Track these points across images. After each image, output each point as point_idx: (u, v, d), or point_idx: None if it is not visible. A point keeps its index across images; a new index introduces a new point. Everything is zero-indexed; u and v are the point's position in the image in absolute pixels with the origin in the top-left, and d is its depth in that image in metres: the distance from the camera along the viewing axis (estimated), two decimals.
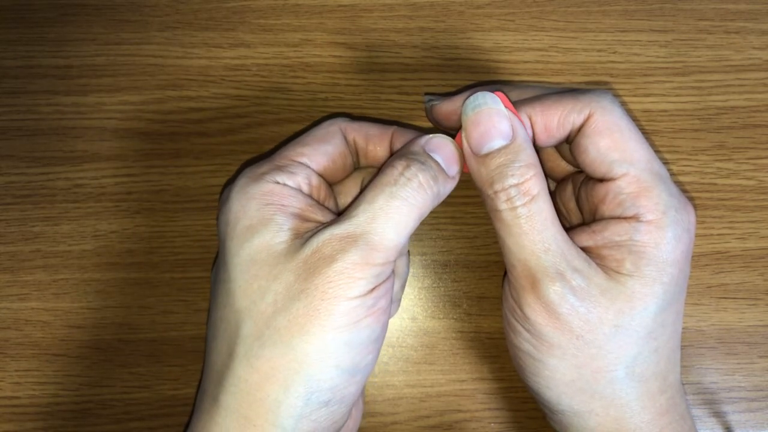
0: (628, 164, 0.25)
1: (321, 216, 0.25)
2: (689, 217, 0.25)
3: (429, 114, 0.30)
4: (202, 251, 0.34)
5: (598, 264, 0.25)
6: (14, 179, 0.34)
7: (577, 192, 0.29)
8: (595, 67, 0.36)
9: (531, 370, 0.26)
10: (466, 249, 0.34)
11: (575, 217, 0.30)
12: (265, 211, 0.24)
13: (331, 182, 0.29)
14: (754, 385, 0.34)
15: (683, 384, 0.29)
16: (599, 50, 0.36)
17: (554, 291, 0.24)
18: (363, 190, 0.25)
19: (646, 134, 0.34)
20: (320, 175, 0.27)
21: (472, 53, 0.36)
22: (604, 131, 0.25)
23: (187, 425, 0.26)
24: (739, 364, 0.34)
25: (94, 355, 0.33)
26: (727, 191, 0.35)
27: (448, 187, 0.26)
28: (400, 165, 0.25)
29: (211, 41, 0.35)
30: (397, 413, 0.33)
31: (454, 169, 0.27)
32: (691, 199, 0.35)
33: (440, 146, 0.27)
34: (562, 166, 0.31)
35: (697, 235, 0.33)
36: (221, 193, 0.33)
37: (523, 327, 0.26)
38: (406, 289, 0.33)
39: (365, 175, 0.30)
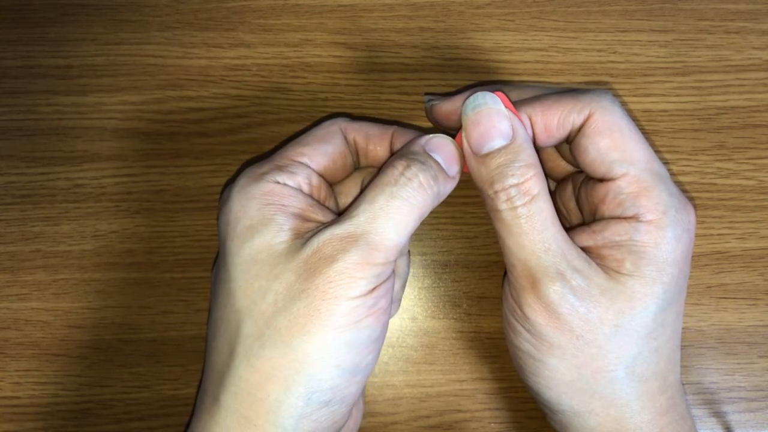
0: (628, 164, 0.25)
1: (321, 216, 0.25)
2: (689, 217, 0.25)
3: (429, 114, 0.30)
4: (202, 251, 0.34)
5: (598, 264, 0.25)
6: (14, 179, 0.34)
7: (577, 192, 0.29)
8: (595, 67, 0.36)
9: (531, 370, 0.26)
10: (466, 249, 0.34)
11: (575, 217, 0.30)
12: (265, 211, 0.24)
13: (331, 182, 0.29)
14: (754, 385, 0.34)
15: (683, 384, 0.29)
16: (599, 50, 0.36)
17: (554, 291, 0.24)
18: (363, 190, 0.25)
19: (646, 134, 0.34)
20: (320, 175, 0.27)
21: (472, 53, 0.36)
22: (604, 131, 0.25)
23: (188, 425, 0.26)
24: (739, 364, 0.34)
25: (94, 355, 0.33)
26: (727, 191, 0.35)
27: (448, 187, 0.26)
28: (400, 165, 0.25)
29: (211, 41, 0.35)
30: (397, 413, 0.33)
31: (454, 169, 0.27)
32: (691, 199, 0.35)
33: (440, 146, 0.27)
34: (562, 166, 0.31)
35: (697, 235, 0.33)
36: (221, 193, 0.33)
37: (523, 327, 0.26)
38: (406, 289, 0.33)
39: (365, 175, 0.30)
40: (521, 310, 0.25)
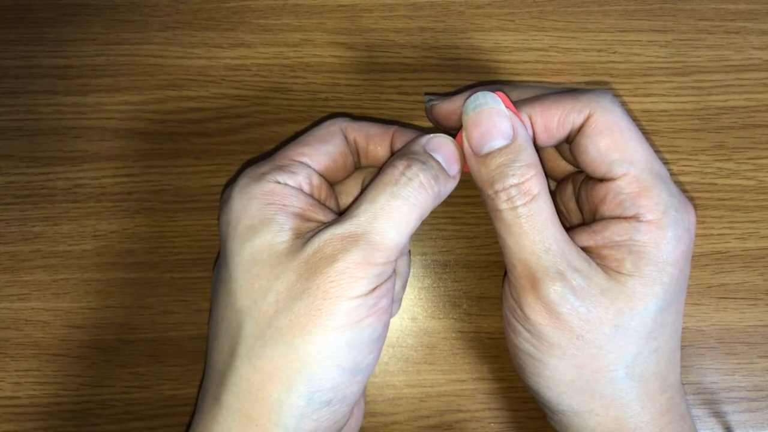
0: (628, 164, 0.25)
1: (322, 216, 0.25)
2: (689, 217, 0.25)
3: (429, 114, 0.30)
4: (202, 251, 0.34)
5: (598, 264, 0.25)
6: (14, 179, 0.34)
7: (577, 192, 0.29)
8: (595, 67, 0.36)
9: (531, 370, 0.26)
10: (466, 249, 0.34)
11: (575, 217, 0.30)
12: (266, 211, 0.24)
13: (332, 182, 0.29)
14: (754, 385, 0.34)
15: (683, 384, 0.29)
16: (599, 50, 0.36)
17: (554, 291, 0.24)
18: (364, 190, 0.25)
19: (646, 134, 0.34)
20: (321, 175, 0.27)
21: (472, 53, 0.36)
22: (604, 131, 0.25)
23: (189, 425, 0.26)
24: (739, 364, 0.34)
25: (94, 355, 0.33)
26: (727, 191, 0.35)
27: (448, 186, 0.26)
28: (401, 165, 0.25)
29: (211, 41, 0.35)
30: (397, 413, 0.33)
31: (454, 169, 0.27)
32: (691, 199, 0.35)
33: (441, 146, 0.27)
34: (562, 166, 0.31)
35: (697, 235, 0.33)
36: (222, 193, 0.33)
37: (524, 327, 0.26)
38: (407, 289, 0.33)
39: (366, 174, 0.30)
40: (521, 309, 0.25)
